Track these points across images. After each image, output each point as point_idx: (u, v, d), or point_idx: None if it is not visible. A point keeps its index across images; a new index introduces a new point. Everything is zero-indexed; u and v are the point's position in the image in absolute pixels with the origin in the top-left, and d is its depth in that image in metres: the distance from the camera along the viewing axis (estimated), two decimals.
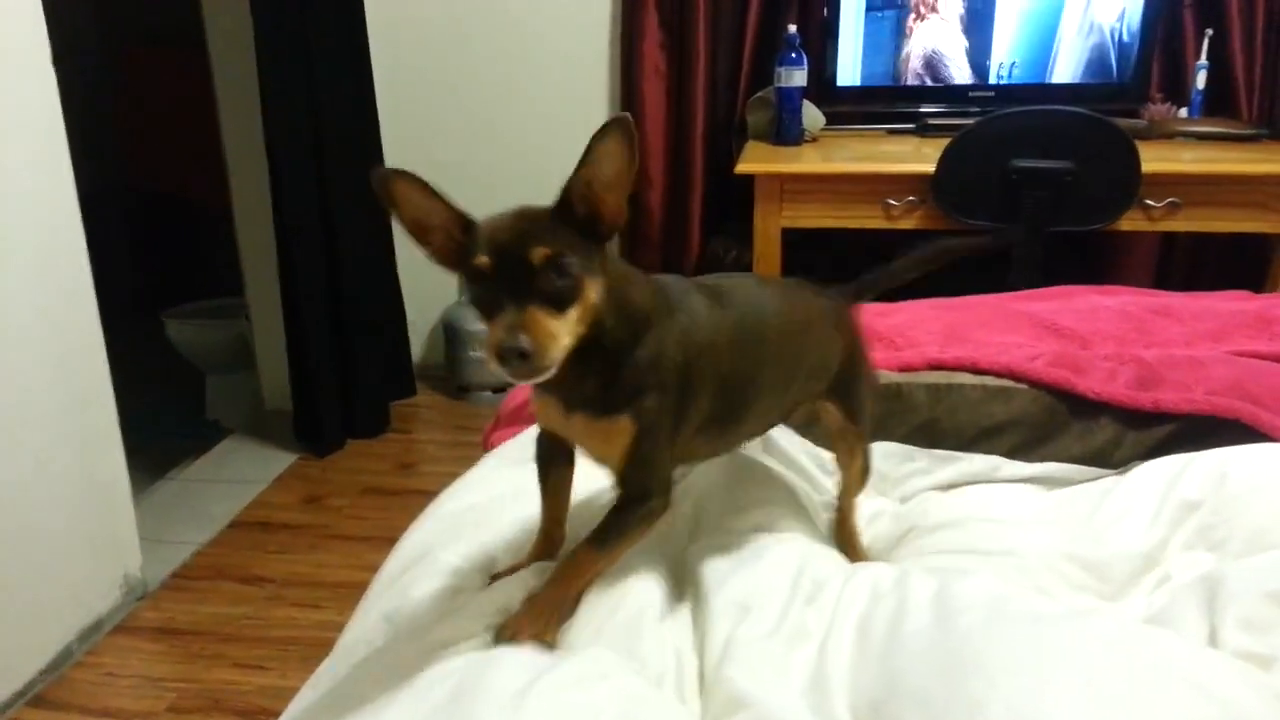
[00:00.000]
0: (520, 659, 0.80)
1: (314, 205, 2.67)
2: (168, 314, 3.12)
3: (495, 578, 1.00)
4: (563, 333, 0.77)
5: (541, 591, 0.90)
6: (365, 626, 0.98)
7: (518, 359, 0.74)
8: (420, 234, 0.83)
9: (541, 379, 0.78)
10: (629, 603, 0.91)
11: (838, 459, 1.15)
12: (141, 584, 2.12)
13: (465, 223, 0.82)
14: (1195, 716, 0.70)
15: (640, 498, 0.89)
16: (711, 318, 0.92)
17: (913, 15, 2.67)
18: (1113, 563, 1.04)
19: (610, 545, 0.90)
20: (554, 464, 0.99)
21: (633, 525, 0.90)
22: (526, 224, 0.79)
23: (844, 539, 1.16)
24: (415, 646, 0.85)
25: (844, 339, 1.09)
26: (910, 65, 2.71)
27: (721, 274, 1.07)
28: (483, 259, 0.77)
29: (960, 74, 2.71)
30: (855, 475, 1.13)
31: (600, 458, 0.91)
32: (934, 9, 2.65)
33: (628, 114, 0.81)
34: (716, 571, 0.97)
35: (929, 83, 2.73)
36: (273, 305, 2.78)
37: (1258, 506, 1.04)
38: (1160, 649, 0.79)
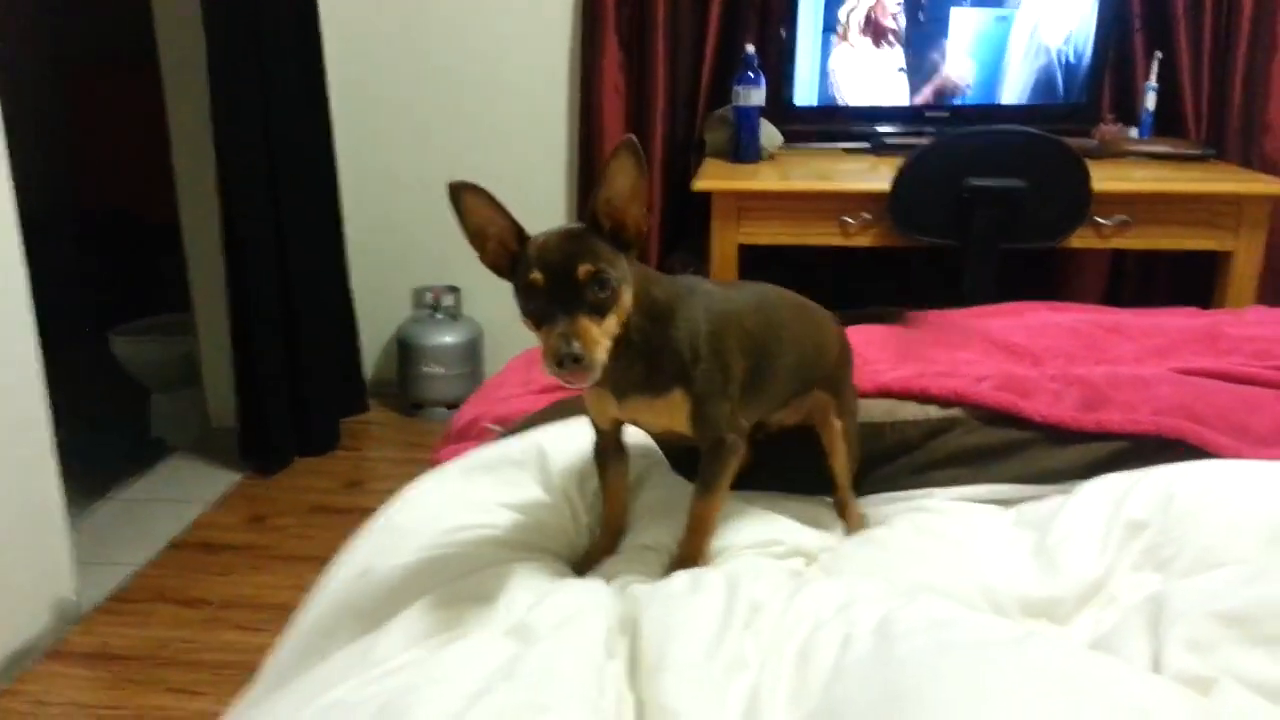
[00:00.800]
0: (454, 687, 0.76)
1: (265, 220, 2.62)
2: (115, 331, 3.04)
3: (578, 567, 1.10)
4: (605, 336, 0.89)
5: (680, 552, 1.05)
6: (299, 644, 0.94)
7: (572, 362, 0.86)
8: (479, 241, 0.94)
9: (592, 381, 0.89)
10: (575, 634, 0.87)
11: (826, 447, 1.23)
12: (75, 608, 2.04)
13: (520, 234, 0.93)
14: None
15: (718, 442, 1.03)
16: (728, 295, 1.07)
17: (869, 36, 2.68)
18: (1065, 594, 1.01)
19: (712, 487, 1.04)
20: (610, 461, 1.12)
21: (723, 462, 1.04)
22: (571, 244, 0.89)
23: (843, 516, 1.26)
24: (348, 665, 0.81)
25: (839, 339, 1.24)
26: (866, 86, 2.73)
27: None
28: (536, 275, 0.88)
29: (916, 94, 2.72)
30: (841, 462, 1.23)
31: (665, 427, 1.05)
32: (890, 31, 2.67)
33: (633, 135, 0.92)
34: (646, 594, 0.94)
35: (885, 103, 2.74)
36: (220, 321, 2.72)
37: (1204, 526, 1.02)
38: (1104, 676, 0.76)
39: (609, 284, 0.88)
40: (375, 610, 0.92)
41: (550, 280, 0.87)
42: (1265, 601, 0.83)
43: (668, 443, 1.24)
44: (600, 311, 0.88)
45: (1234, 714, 0.74)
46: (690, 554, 1.05)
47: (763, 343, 1.07)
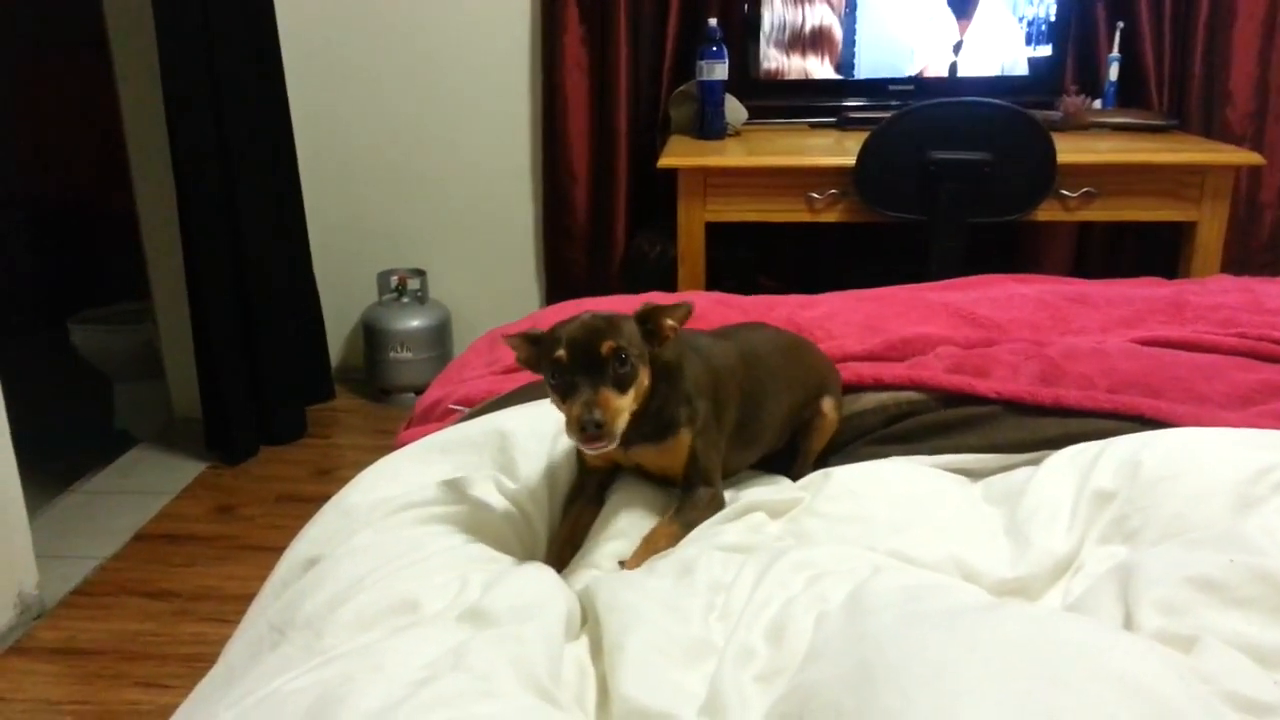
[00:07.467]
0: (397, 673, 0.74)
1: (222, 206, 2.57)
2: (74, 320, 2.99)
3: None
4: (625, 408, 0.98)
5: (630, 560, 1.05)
6: (252, 635, 0.92)
7: (594, 427, 0.93)
8: (532, 369, 1.06)
9: (611, 447, 0.97)
10: (533, 616, 0.85)
11: (806, 428, 1.29)
12: (39, 602, 2.01)
13: (532, 339, 1.04)
14: (1120, 716, 0.67)
15: (705, 487, 1.11)
16: (722, 347, 1.19)
17: (833, 9, 2.66)
18: (1037, 571, 1.00)
19: (683, 523, 1.08)
20: (583, 500, 1.15)
21: (702, 505, 1.10)
22: (597, 324, 0.99)
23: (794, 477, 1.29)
24: (296, 655, 0.79)
25: (828, 365, 1.34)
26: (832, 58, 2.71)
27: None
28: (561, 353, 0.97)
29: (880, 67, 2.71)
30: (818, 444, 1.29)
31: (664, 469, 1.13)
32: (853, 3, 2.66)
33: (691, 302, 1.05)
34: (598, 582, 0.92)
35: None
36: (180, 310, 2.67)
37: (1172, 494, 1.02)
38: (1081, 639, 0.75)
39: (629, 361, 0.97)
40: (326, 597, 0.90)
41: (574, 356, 0.96)
42: (1239, 567, 0.83)
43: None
44: (621, 386, 0.97)
45: (1218, 669, 0.73)
46: (633, 565, 1.06)
47: (752, 392, 1.19)
